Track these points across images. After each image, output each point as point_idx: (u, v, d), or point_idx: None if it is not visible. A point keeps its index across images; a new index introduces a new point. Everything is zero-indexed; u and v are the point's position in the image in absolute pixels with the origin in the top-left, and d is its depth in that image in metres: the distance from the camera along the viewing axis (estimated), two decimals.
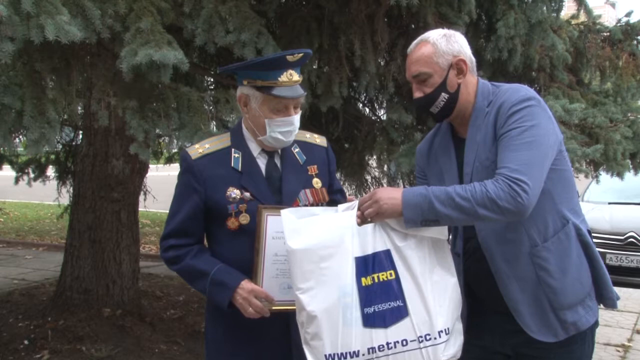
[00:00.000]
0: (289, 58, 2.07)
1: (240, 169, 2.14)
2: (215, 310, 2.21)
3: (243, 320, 2.09)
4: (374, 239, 1.98)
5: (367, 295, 1.92)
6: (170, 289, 6.23)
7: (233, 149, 2.17)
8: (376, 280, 1.94)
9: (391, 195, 1.96)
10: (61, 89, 2.96)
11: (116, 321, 4.81)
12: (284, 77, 2.07)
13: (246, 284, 2.05)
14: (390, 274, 1.95)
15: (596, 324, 2.15)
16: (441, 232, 2.04)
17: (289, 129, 2.11)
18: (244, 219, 2.10)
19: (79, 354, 4.33)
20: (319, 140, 2.34)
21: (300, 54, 2.10)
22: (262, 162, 2.19)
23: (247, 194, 2.11)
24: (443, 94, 2.08)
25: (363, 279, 1.93)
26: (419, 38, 2.14)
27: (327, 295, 1.91)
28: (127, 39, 2.82)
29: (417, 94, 2.12)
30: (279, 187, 2.17)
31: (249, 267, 2.08)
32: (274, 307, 2.08)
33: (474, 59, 2.16)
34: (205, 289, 2.10)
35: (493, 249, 2.08)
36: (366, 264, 1.95)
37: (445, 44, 2.08)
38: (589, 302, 2.10)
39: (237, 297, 2.05)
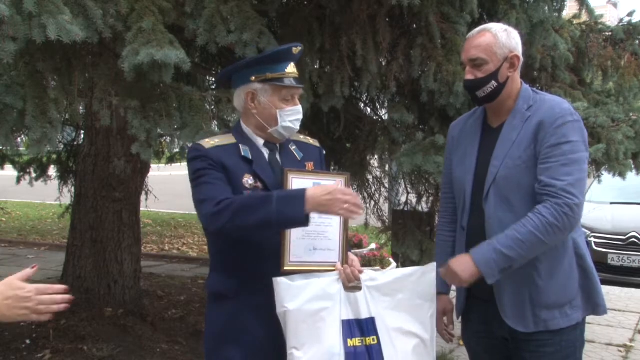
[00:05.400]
0: (294, 50, 2.28)
1: (251, 158, 2.22)
2: (215, 304, 2.26)
3: (238, 317, 2.17)
4: (361, 306, 2.17)
5: (352, 356, 2.11)
6: (171, 289, 6.23)
7: (240, 144, 2.25)
8: (360, 343, 2.14)
9: (463, 262, 2.16)
10: (63, 89, 2.96)
11: (118, 321, 4.81)
12: (290, 69, 2.25)
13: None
14: (374, 339, 2.16)
15: (572, 328, 2.24)
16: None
17: (298, 117, 2.27)
18: None
19: (81, 353, 4.33)
20: (312, 141, 2.47)
21: (300, 47, 2.30)
22: (265, 157, 2.28)
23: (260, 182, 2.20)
24: (493, 81, 2.23)
25: (349, 340, 2.13)
26: (481, 27, 2.30)
27: (317, 353, 2.09)
28: (129, 38, 2.83)
29: (469, 76, 2.27)
30: (282, 179, 2.24)
31: (263, 248, 2.15)
32: (302, 268, 2.14)
33: (522, 60, 2.30)
34: (272, 211, 2.02)
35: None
36: (352, 327, 2.15)
37: (505, 37, 2.24)
38: (567, 310, 2.22)
39: (322, 196, 2.02)
